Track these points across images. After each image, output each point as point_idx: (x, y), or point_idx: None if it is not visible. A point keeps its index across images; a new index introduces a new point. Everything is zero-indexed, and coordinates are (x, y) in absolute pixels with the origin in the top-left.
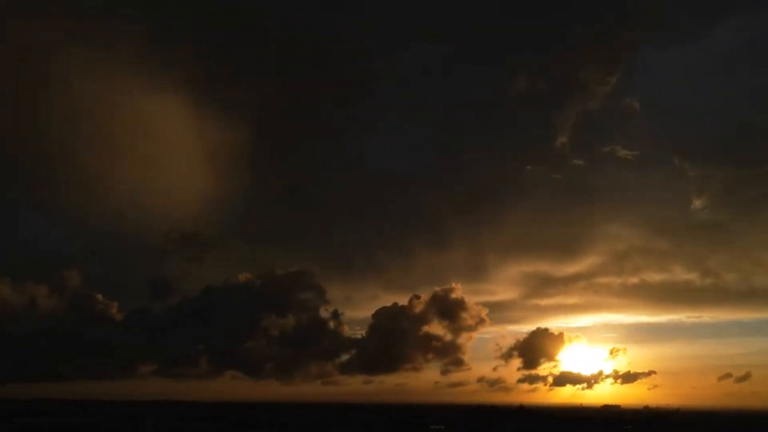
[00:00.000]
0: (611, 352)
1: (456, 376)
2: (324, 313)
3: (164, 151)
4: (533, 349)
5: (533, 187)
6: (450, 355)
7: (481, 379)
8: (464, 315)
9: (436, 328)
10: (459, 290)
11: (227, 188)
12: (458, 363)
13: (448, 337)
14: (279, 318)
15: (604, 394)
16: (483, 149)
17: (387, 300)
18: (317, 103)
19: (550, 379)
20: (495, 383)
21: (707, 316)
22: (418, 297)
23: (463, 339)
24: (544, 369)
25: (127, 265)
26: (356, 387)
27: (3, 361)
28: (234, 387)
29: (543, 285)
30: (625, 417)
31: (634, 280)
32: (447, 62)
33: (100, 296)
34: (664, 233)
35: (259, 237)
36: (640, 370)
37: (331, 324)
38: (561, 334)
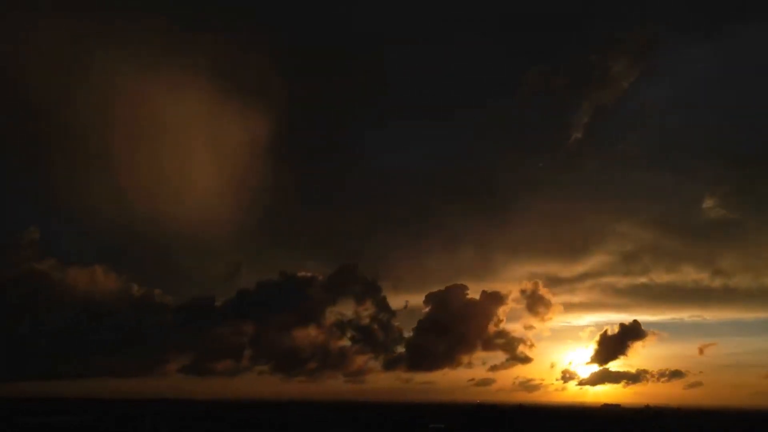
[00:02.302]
0: (700, 350)
1: (501, 374)
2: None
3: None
4: (610, 345)
5: (544, 184)
6: (513, 350)
7: (516, 378)
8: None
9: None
10: (541, 287)
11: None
12: (524, 360)
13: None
14: (342, 311)
15: (631, 393)
16: (495, 146)
17: (394, 299)
18: (329, 104)
19: (588, 377)
20: (528, 381)
21: (718, 315)
22: (495, 293)
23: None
24: (614, 365)
25: (184, 262)
26: (380, 384)
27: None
28: (256, 385)
29: (550, 284)
30: (624, 416)
31: (644, 279)
32: (460, 58)
33: (143, 288)
34: (676, 232)
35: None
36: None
37: (391, 319)
38: (646, 331)
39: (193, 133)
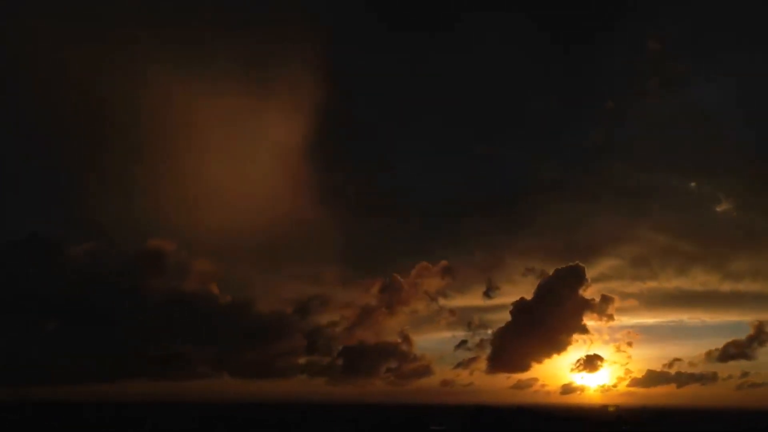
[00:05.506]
0: None
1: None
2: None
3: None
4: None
5: (559, 188)
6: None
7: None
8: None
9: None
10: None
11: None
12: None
13: None
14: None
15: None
16: (508, 148)
17: None
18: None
19: (641, 378)
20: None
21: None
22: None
23: None
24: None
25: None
26: (421, 386)
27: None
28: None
29: None
30: (622, 417)
31: (654, 283)
32: (475, 55)
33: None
34: (689, 236)
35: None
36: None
37: None
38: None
39: (233, 138)
